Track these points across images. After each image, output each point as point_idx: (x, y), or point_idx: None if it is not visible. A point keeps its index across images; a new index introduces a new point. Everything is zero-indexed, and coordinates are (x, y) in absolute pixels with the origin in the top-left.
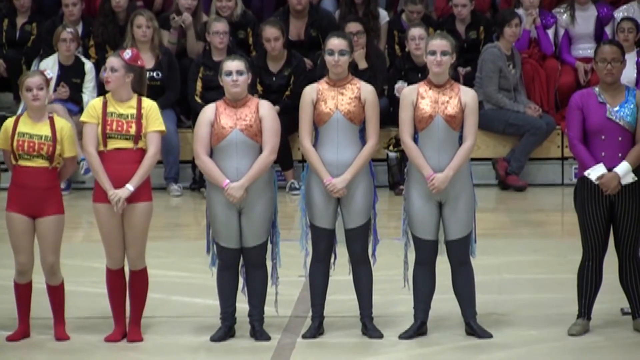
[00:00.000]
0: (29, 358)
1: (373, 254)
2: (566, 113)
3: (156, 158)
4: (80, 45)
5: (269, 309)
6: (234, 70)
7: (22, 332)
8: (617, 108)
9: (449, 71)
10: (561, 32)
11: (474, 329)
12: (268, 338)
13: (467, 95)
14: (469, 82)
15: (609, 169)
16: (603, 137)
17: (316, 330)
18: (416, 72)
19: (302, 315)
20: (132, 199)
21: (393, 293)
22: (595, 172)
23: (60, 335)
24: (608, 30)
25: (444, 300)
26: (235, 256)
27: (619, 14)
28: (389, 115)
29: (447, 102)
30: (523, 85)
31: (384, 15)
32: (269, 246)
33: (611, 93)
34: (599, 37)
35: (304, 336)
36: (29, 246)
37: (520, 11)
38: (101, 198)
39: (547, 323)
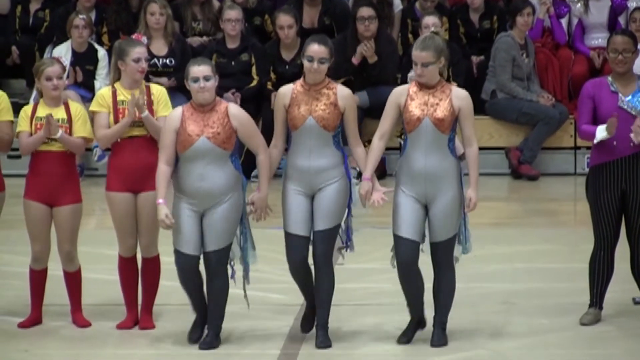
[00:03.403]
0: (40, 345)
1: (346, 246)
2: (578, 102)
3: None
4: (93, 32)
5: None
6: (201, 77)
7: (34, 318)
8: (629, 97)
9: (443, 72)
10: (575, 21)
11: (433, 333)
12: (216, 346)
13: (460, 99)
14: (482, 70)
15: (621, 159)
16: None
17: (308, 326)
18: None
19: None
20: (144, 187)
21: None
22: (600, 133)
23: (82, 322)
24: (621, 20)
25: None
26: (194, 264)
27: (632, 3)
28: None
29: (437, 104)
30: (536, 75)
31: (397, 4)
32: (239, 253)
33: (623, 82)
34: (612, 26)
35: (303, 328)
36: (46, 234)
37: (534, 0)
38: (114, 186)
39: (559, 312)
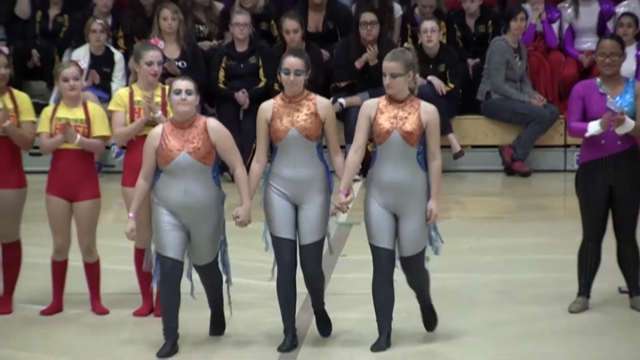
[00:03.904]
0: (60, 332)
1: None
2: (568, 102)
3: None
4: (110, 36)
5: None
6: (183, 90)
7: (56, 307)
8: (617, 98)
9: (413, 86)
10: (565, 26)
11: (429, 317)
12: (221, 333)
13: (428, 113)
14: (477, 72)
15: (609, 156)
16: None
17: (291, 343)
18: (427, 64)
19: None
20: None
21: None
22: (593, 128)
23: (100, 310)
24: (610, 24)
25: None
26: (178, 268)
27: (620, 9)
28: None
29: (406, 118)
30: (529, 77)
31: (397, 9)
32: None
33: (611, 84)
34: (601, 31)
35: (279, 349)
36: (67, 228)
37: (526, 6)
38: (129, 182)
39: (549, 301)
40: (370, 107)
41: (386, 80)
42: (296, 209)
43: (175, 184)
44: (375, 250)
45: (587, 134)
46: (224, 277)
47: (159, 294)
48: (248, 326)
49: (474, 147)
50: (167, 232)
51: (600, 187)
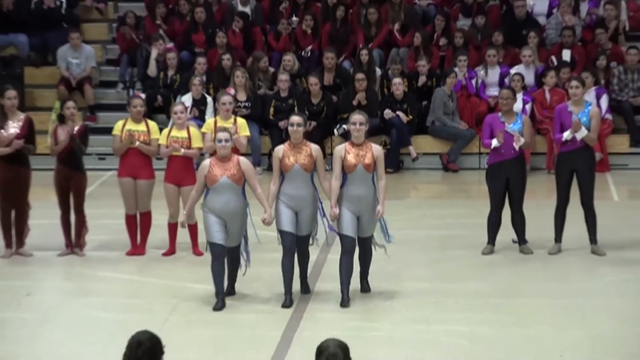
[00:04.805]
0: (172, 267)
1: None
2: (482, 127)
3: (244, 148)
4: (204, 87)
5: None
6: (223, 139)
7: (171, 251)
8: (511, 125)
9: (365, 135)
10: (480, 81)
11: (365, 286)
12: (221, 307)
13: (377, 151)
14: (426, 109)
15: (506, 160)
16: (500, 142)
17: (290, 301)
18: (396, 104)
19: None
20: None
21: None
22: (494, 142)
23: (197, 252)
24: (507, 80)
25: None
26: (222, 251)
27: (512, 70)
28: (381, 129)
29: (365, 155)
30: (457, 111)
31: (378, 71)
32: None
33: (507, 116)
34: (501, 84)
35: (282, 305)
36: (176, 202)
37: (456, 69)
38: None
39: (469, 247)
40: (341, 149)
41: (357, 127)
42: (296, 214)
43: (220, 199)
44: (344, 237)
45: (492, 145)
46: (245, 255)
47: (211, 268)
48: (265, 289)
49: (424, 154)
50: (214, 228)
51: (501, 179)
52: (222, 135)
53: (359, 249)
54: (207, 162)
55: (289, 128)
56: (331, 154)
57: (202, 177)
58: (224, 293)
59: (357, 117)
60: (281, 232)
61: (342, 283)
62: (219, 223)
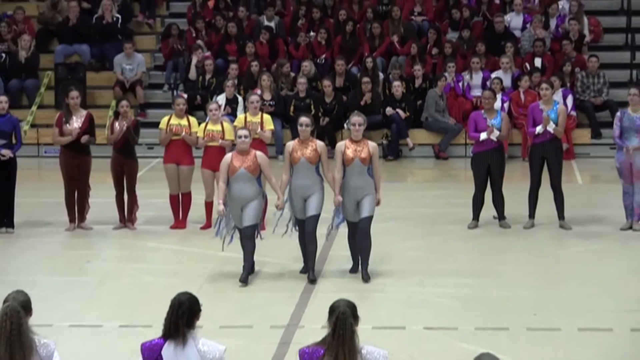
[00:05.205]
0: (208, 238)
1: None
2: (468, 122)
3: (269, 140)
4: (235, 89)
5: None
6: (243, 135)
7: (207, 225)
8: (493, 120)
9: (363, 132)
10: (465, 83)
11: (365, 275)
12: (253, 272)
13: (373, 147)
14: (421, 107)
15: (487, 150)
16: (488, 135)
17: (313, 275)
18: (395, 102)
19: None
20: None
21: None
22: (482, 135)
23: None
24: (488, 83)
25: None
26: (253, 229)
27: (493, 74)
28: (383, 124)
29: (362, 150)
30: (447, 108)
31: (380, 75)
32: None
33: (489, 113)
34: (484, 86)
35: (301, 271)
36: (212, 184)
37: (446, 73)
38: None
39: (457, 222)
40: (341, 146)
41: (356, 127)
42: (305, 200)
43: (237, 186)
44: (349, 223)
45: (481, 139)
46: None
47: (241, 244)
48: (270, 280)
49: (419, 145)
50: (236, 215)
51: (484, 165)
52: (242, 132)
53: (359, 233)
54: (229, 155)
55: (299, 128)
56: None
57: (226, 169)
58: (250, 268)
59: (356, 118)
60: (297, 221)
61: (352, 254)
62: (237, 209)
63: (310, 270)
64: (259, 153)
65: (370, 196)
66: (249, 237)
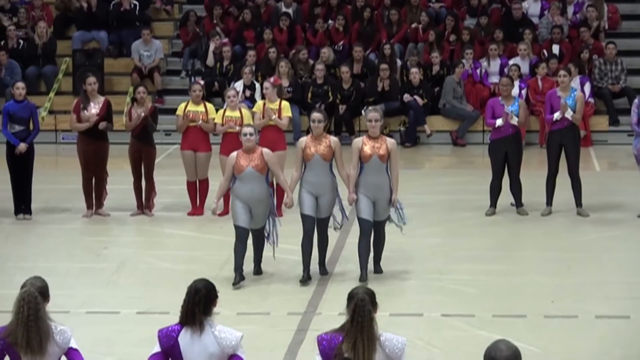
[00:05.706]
0: (225, 225)
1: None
2: (485, 109)
3: (286, 127)
4: (253, 75)
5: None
6: (248, 133)
7: (226, 212)
8: (510, 107)
9: (382, 129)
10: (483, 70)
11: (378, 268)
12: (261, 273)
13: (391, 144)
14: (439, 93)
15: (504, 136)
16: (504, 122)
17: (307, 277)
18: (413, 89)
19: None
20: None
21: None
22: (498, 121)
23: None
24: (506, 69)
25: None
26: (245, 233)
27: (511, 61)
28: (401, 110)
29: (380, 147)
30: (464, 96)
31: (398, 62)
32: (269, 229)
33: (506, 100)
34: (502, 73)
35: (301, 280)
36: (229, 173)
37: (464, 60)
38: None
39: (474, 209)
40: (358, 142)
41: (372, 124)
42: (316, 199)
43: (246, 186)
44: (362, 220)
45: (497, 125)
46: (275, 237)
47: (234, 247)
48: (287, 269)
49: (437, 131)
50: (240, 213)
51: (501, 151)
52: (247, 129)
53: (374, 232)
54: (234, 154)
55: (311, 124)
56: (360, 131)
57: (231, 167)
58: (242, 269)
59: (373, 114)
60: (302, 216)
61: (360, 261)
62: (244, 208)
63: (320, 266)
64: (265, 150)
65: (388, 198)
66: (259, 239)
